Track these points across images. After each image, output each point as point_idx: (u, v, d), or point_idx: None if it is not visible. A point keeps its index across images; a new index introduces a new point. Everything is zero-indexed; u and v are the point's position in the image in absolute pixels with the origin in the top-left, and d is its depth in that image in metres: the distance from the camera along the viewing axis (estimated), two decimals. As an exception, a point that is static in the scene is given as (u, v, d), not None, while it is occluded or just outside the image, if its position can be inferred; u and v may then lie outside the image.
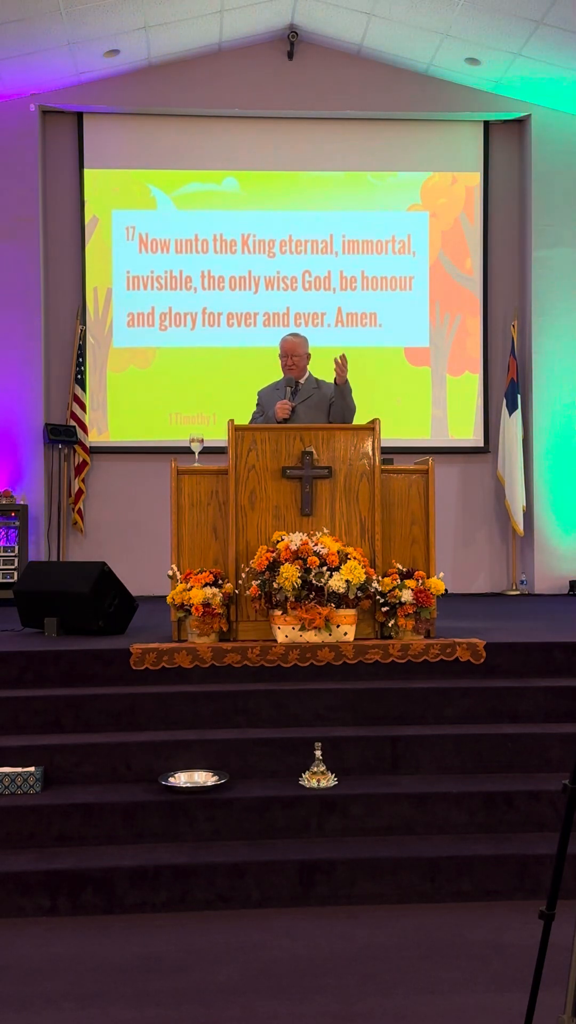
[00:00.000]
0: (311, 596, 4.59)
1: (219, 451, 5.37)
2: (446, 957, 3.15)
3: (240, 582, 4.83)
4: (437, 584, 4.84)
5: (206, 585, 4.73)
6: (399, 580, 4.81)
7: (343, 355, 5.26)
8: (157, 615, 5.82)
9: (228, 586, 4.78)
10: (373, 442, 4.99)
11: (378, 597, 4.77)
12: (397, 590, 4.75)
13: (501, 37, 7.77)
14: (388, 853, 3.67)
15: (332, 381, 5.46)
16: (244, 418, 5.58)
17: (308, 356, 5.56)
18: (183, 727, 4.31)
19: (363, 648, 4.61)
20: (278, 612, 4.65)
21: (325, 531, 4.83)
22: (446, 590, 4.98)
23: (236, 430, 4.97)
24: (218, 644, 4.66)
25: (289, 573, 4.54)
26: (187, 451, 5.30)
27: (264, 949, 3.22)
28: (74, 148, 8.64)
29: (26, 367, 8.35)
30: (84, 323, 8.58)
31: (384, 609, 4.77)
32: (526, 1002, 2.42)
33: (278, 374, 5.61)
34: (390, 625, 4.80)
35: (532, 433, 8.64)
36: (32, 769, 3.94)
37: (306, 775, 3.99)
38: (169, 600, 4.81)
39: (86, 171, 8.63)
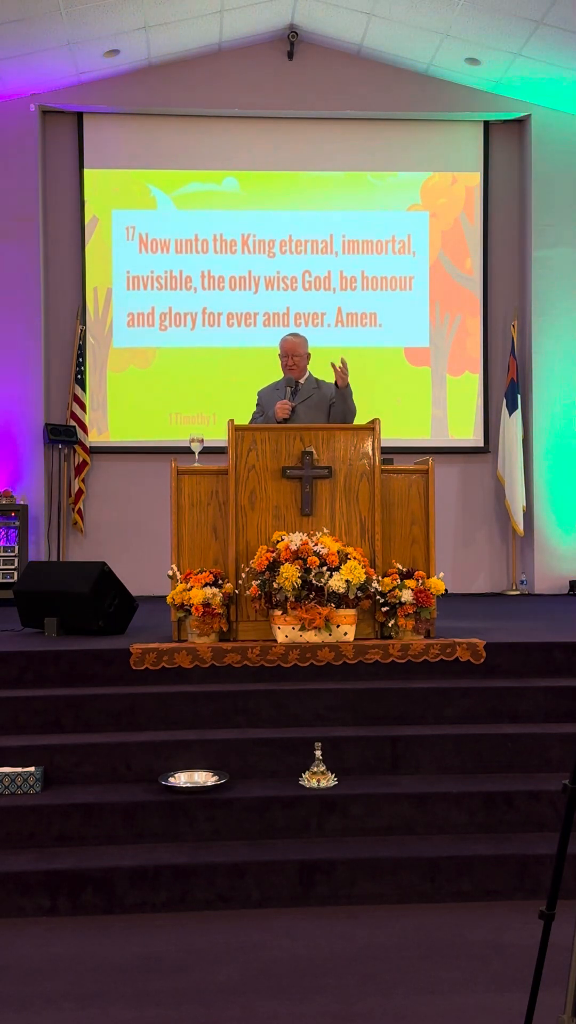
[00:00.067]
0: (311, 596, 4.59)
1: (219, 451, 5.37)
2: (446, 957, 3.15)
3: (240, 582, 4.83)
4: (437, 584, 4.84)
5: (206, 585, 4.73)
6: (399, 580, 4.81)
7: (343, 360, 5.25)
8: (157, 615, 5.82)
9: (228, 586, 4.79)
10: (373, 442, 4.99)
11: (378, 597, 4.77)
12: (397, 590, 4.75)
13: (501, 37, 7.77)
14: (388, 853, 3.67)
15: (332, 382, 5.47)
16: (244, 418, 5.58)
17: (308, 356, 5.56)
18: (183, 727, 4.31)
19: (363, 648, 4.61)
20: (278, 612, 4.65)
21: (325, 531, 4.83)
22: (446, 590, 4.97)
23: (236, 430, 4.97)
24: (218, 644, 4.66)
25: (289, 573, 4.54)
26: (187, 451, 5.30)
27: (264, 949, 3.22)
28: (74, 148, 8.64)
29: (26, 367, 8.35)
30: (84, 323, 8.58)
31: (384, 609, 4.77)
32: (526, 1002, 2.42)
33: (278, 374, 5.61)
34: (390, 625, 4.80)
35: (532, 433, 8.64)
36: (32, 769, 3.94)
37: (306, 775, 3.99)
38: (169, 600, 4.81)
39: (86, 171, 8.63)
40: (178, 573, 4.87)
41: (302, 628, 4.61)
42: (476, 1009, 2.81)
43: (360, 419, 5.40)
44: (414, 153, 8.84)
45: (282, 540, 4.69)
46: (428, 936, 3.31)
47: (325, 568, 4.58)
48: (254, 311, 8.74)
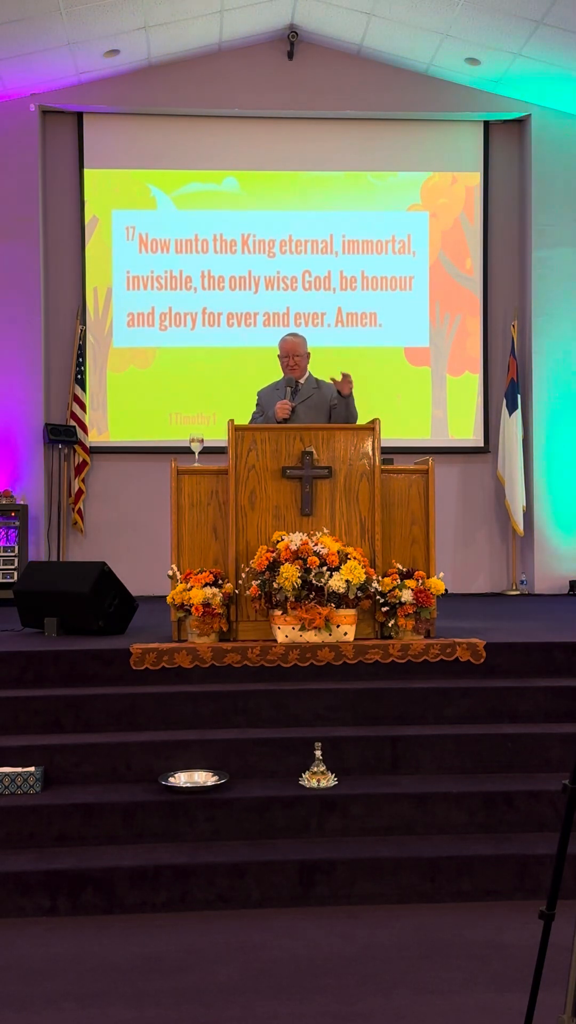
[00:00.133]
0: (311, 596, 4.59)
1: (219, 451, 5.37)
2: (446, 957, 3.15)
3: (240, 582, 4.83)
4: (437, 584, 4.84)
5: (206, 585, 4.73)
6: (399, 580, 4.81)
7: (347, 375, 5.23)
8: (157, 615, 5.82)
9: (228, 586, 4.78)
10: (373, 442, 4.99)
11: (378, 597, 4.77)
12: (397, 590, 4.75)
13: (501, 37, 7.77)
14: (388, 853, 3.67)
15: (332, 381, 5.48)
16: (244, 418, 5.58)
17: (308, 356, 5.56)
18: (183, 727, 4.31)
19: (363, 648, 4.61)
20: (278, 612, 4.65)
21: (325, 531, 4.82)
22: (446, 590, 4.98)
23: (236, 430, 4.97)
24: (218, 644, 4.66)
25: (289, 573, 4.54)
26: (187, 451, 5.30)
27: (264, 949, 3.22)
28: (74, 148, 8.64)
29: (26, 367, 8.35)
30: (84, 323, 8.58)
31: (384, 609, 4.77)
32: (526, 1002, 2.42)
33: (278, 374, 5.61)
34: (390, 625, 4.80)
35: (532, 433, 8.64)
36: (32, 769, 3.94)
37: (306, 775, 3.99)
38: (169, 600, 4.81)
39: (86, 171, 8.63)
40: (178, 573, 4.87)
41: (302, 628, 4.61)
42: (476, 1009, 2.81)
43: (360, 419, 5.40)
44: (414, 153, 8.84)
45: (282, 540, 4.69)
46: (428, 936, 3.31)
47: (325, 568, 4.58)
48: (254, 311, 8.74)
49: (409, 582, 4.78)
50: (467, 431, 8.89)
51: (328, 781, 3.97)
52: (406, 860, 3.63)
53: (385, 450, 5.12)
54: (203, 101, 8.53)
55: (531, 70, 8.14)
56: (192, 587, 4.72)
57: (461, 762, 4.17)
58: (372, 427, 5.01)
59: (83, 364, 8.49)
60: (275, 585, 4.58)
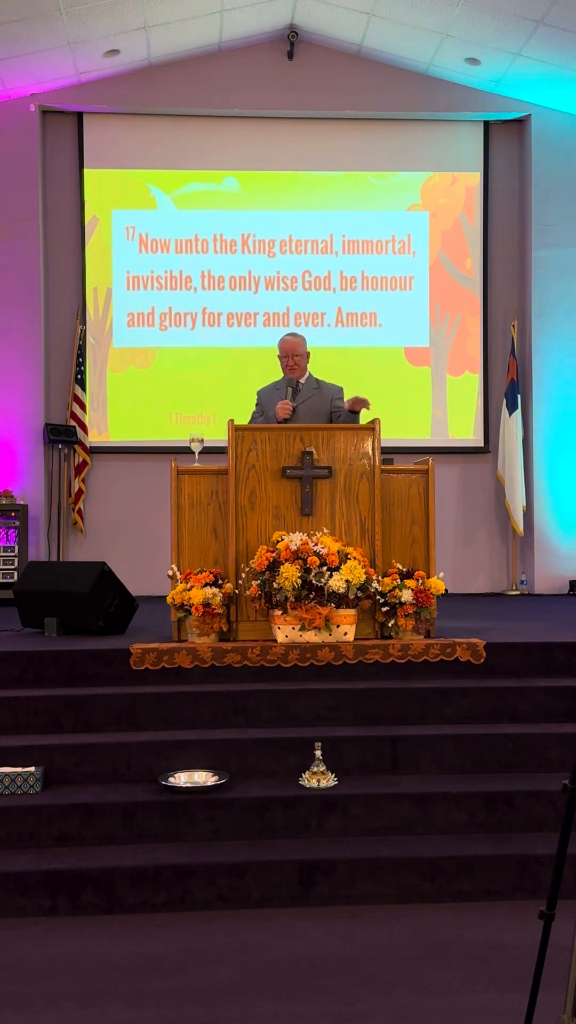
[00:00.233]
0: (311, 596, 4.59)
1: (219, 451, 5.37)
2: (446, 957, 3.14)
3: (240, 582, 4.83)
4: (437, 584, 4.84)
5: (206, 585, 4.73)
6: (399, 580, 4.81)
7: (364, 400, 5.21)
8: (157, 615, 5.82)
9: (228, 586, 4.78)
10: (373, 442, 4.99)
11: (378, 597, 4.77)
12: (397, 590, 4.75)
13: (501, 37, 7.77)
14: (388, 853, 3.67)
15: (332, 383, 5.49)
16: (244, 418, 5.58)
17: (308, 355, 5.56)
18: (183, 727, 4.31)
19: (363, 648, 4.61)
20: (278, 612, 4.65)
21: (325, 531, 4.82)
22: (446, 590, 4.97)
23: (236, 430, 4.97)
24: (218, 644, 4.66)
25: (289, 573, 4.54)
26: (187, 451, 5.30)
27: (264, 949, 3.22)
28: (74, 148, 8.64)
29: (26, 367, 8.35)
30: (84, 323, 8.58)
31: (384, 609, 4.77)
32: (526, 1002, 2.42)
33: (278, 374, 5.61)
34: (390, 625, 4.80)
35: (532, 433, 8.64)
36: (32, 769, 3.94)
37: (306, 775, 3.99)
38: (169, 600, 4.81)
39: (86, 171, 8.63)
40: (178, 573, 4.87)
41: (302, 628, 4.61)
42: (476, 1009, 2.81)
43: (360, 419, 5.39)
44: (414, 153, 8.84)
45: (282, 540, 4.69)
46: (428, 936, 3.31)
47: (325, 568, 4.58)
48: (254, 311, 8.74)
49: (409, 582, 4.78)
50: (467, 431, 8.89)
51: (328, 781, 3.97)
52: (406, 860, 3.63)
53: (385, 450, 5.12)
54: (203, 101, 8.53)
55: (531, 70, 8.14)
56: (192, 587, 4.72)
57: (461, 762, 4.17)
58: (372, 427, 5.01)
59: (83, 364, 8.49)
60: (275, 585, 4.58)
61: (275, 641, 4.66)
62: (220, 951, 3.21)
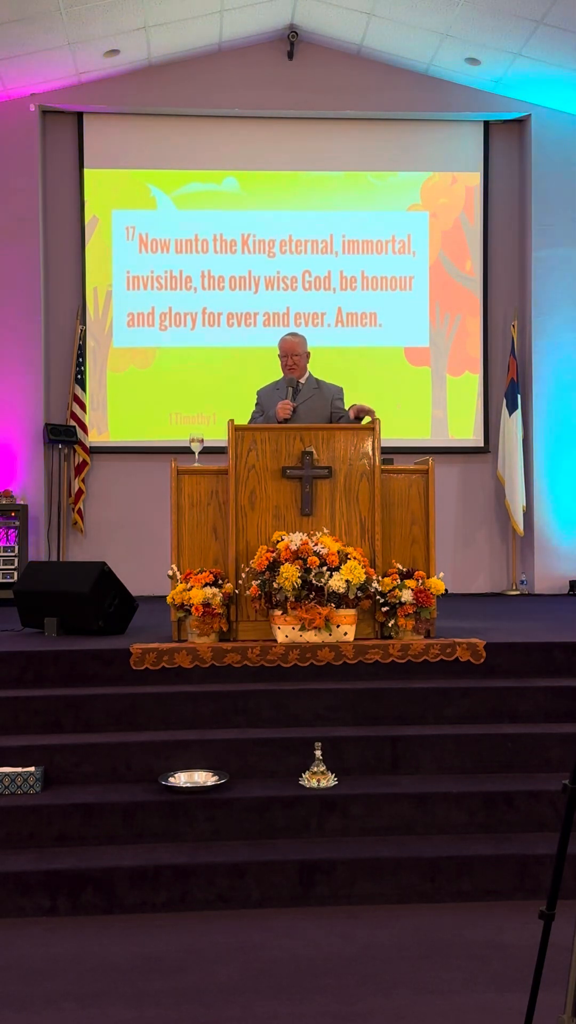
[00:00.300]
0: (311, 596, 4.59)
1: (219, 451, 5.37)
2: (446, 957, 3.14)
3: (240, 582, 4.83)
4: (437, 584, 4.84)
5: (206, 585, 4.73)
6: (399, 580, 4.81)
7: (370, 412, 5.20)
8: (157, 615, 5.82)
9: (228, 586, 4.78)
10: (373, 442, 4.99)
11: (378, 597, 4.77)
12: (397, 590, 4.75)
13: (501, 37, 7.77)
14: (388, 853, 3.67)
15: (332, 383, 5.49)
16: (244, 418, 5.58)
17: (308, 355, 5.56)
18: (183, 727, 4.31)
19: (363, 648, 4.61)
20: (278, 612, 4.65)
21: (325, 531, 4.82)
22: (446, 590, 4.97)
23: (236, 430, 4.97)
24: (218, 644, 4.66)
25: (289, 573, 4.54)
26: (187, 451, 5.30)
27: (264, 949, 3.22)
28: (74, 148, 8.64)
29: (26, 367, 8.35)
30: (84, 323, 8.58)
31: (384, 609, 4.77)
32: (526, 1002, 2.42)
33: (278, 374, 5.61)
34: (390, 625, 4.80)
35: (532, 433, 8.64)
36: (32, 769, 3.94)
37: (306, 775, 3.99)
38: (169, 600, 4.81)
39: (86, 171, 8.63)
40: (178, 573, 4.87)
41: (302, 628, 4.61)
42: (476, 1009, 2.81)
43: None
44: (414, 153, 8.84)
45: (282, 540, 4.69)
46: (428, 936, 3.31)
47: (325, 568, 4.58)
48: (254, 311, 8.74)
49: (409, 582, 4.78)
50: (467, 431, 8.89)
51: (328, 781, 3.97)
52: (406, 860, 3.63)
53: (385, 450, 5.12)
54: (203, 101, 8.53)
55: (531, 70, 8.14)
56: (192, 587, 4.71)
57: (461, 762, 4.17)
58: (372, 427, 5.01)
59: (83, 364, 8.49)
60: (275, 585, 4.58)
61: (275, 641, 4.66)
62: (220, 951, 3.21)
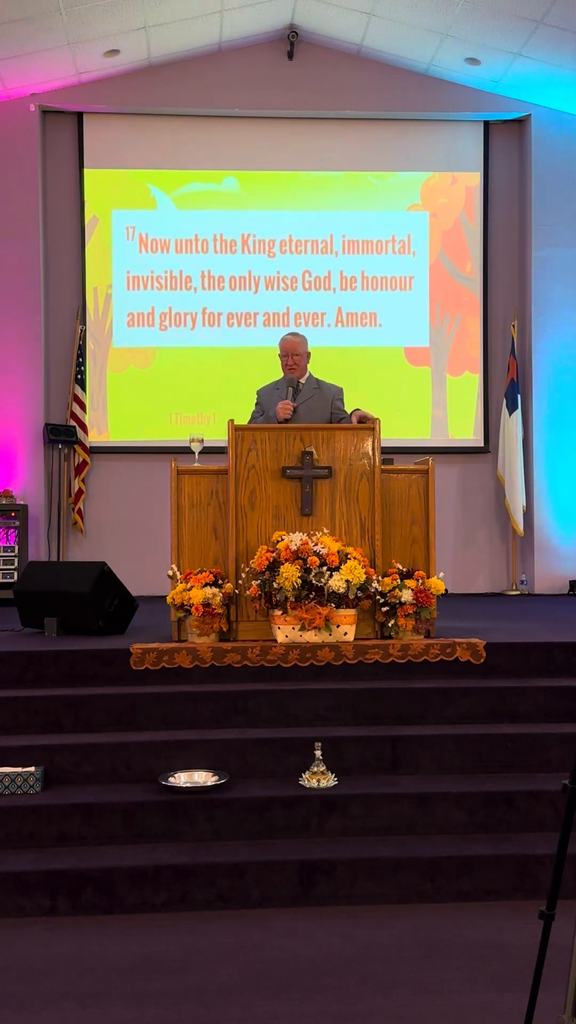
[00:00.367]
0: (311, 596, 4.59)
1: (219, 451, 5.37)
2: (446, 957, 3.14)
3: (240, 582, 4.83)
4: (437, 584, 4.84)
5: (206, 585, 4.73)
6: (399, 580, 4.81)
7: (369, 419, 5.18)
8: (157, 615, 5.82)
9: (228, 586, 4.78)
10: (373, 442, 4.99)
11: (378, 597, 4.77)
12: (397, 590, 4.75)
13: (501, 37, 7.77)
14: (388, 853, 3.67)
15: (332, 383, 5.49)
16: (244, 418, 5.58)
17: (308, 355, 5.56)
18: (183, 727, 4.31)
19: (363, 648, 4.61)
20: (278, 612, 4.65)
21: (325, 531, 4.82)
22: (446, 590, 4.97)
23: (236, 430, 4.97)
24: (218, 644, 4.66)
25: (289, 573, 4.54)
26: (187, 451, 5.30)
27: (264, 949, 3.22)
28: (74, 148, 8.64)
29: (26, 367, 8.35)
30: (84, 323, 8.58)
31: (384, 609, 4.77)
32: (526, 1002, 2.42)
33: (278, 374, 5.61)
34: (390, 625, 4.80)
35: (532, 433, 8.64)
36: (32, 769, 3.94)
37: (306, 775, 3.99)
38: (169, 600, 4.81)
39: (86, 171, 8.63)
40: (178, 573, 4.87)
41: (302, 628, 4.61)
42: (476, 1009, 2.81)
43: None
44: (414, 153, 8.84)
45: (282, 540, 4.69)
46: (428, 936, 3.31)
47: (325, 568, 4.58)
48: (254, 311, 8.75)
49: (409, 582, 4.78)
50: (467, 431, 8.89)
51: (328, 781, 3.97)
52: (406, 860, 3.63)
53: (385, 450, 5.12)
54: (203, 101, 8.53)
55: (531, 70, 8.14)
56: (192, 587, 4.71)
57: (461, 762, 4.17)
58: (372, 427, 5.01)
59: (83, 364, 8.49)
60: (275, 585, 4.58)
61: (275, 641, 4.66)
62: (220, 951, 3.21)
